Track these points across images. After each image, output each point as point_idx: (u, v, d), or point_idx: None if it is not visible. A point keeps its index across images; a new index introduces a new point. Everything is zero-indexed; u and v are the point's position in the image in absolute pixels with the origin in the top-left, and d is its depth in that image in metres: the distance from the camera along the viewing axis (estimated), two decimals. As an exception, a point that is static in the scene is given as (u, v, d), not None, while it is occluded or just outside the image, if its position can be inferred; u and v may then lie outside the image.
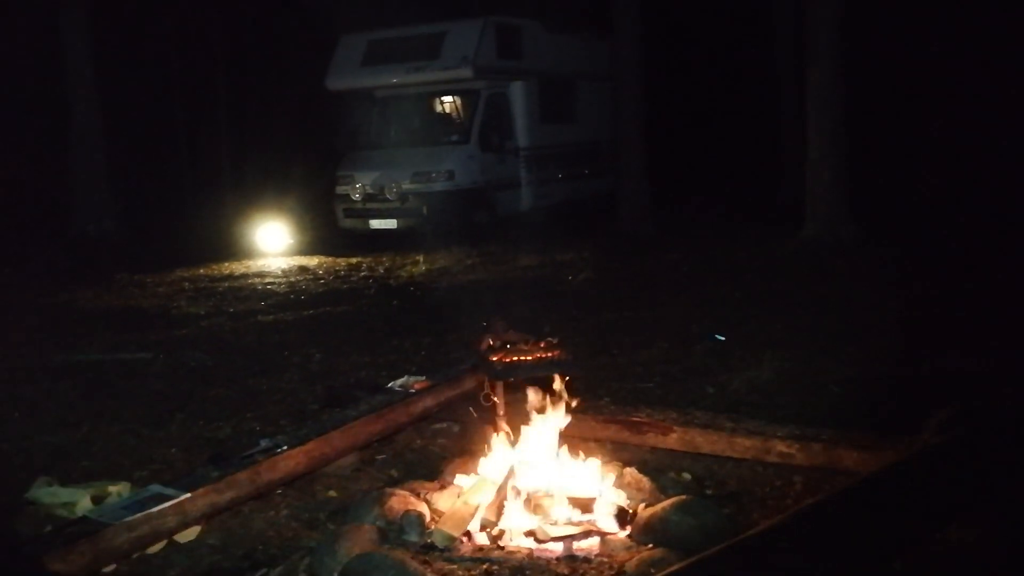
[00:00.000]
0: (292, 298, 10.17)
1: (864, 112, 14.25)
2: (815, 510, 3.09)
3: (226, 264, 13.13)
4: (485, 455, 3.98)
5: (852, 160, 12.09)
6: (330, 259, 13.20)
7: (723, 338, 6.98)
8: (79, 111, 16.46)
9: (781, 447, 4.08)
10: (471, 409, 4.62)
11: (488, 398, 4.22)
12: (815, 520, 3.00)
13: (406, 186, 14.58)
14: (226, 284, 11.38)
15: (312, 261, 13.15)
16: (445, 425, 5.00)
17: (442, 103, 16.27)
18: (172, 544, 3.68)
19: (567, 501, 3.67)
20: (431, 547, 3.53)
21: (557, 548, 3.47)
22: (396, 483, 4.22)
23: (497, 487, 3.74)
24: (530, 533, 3.56)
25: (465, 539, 3.59)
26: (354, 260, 12.92)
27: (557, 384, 3.97)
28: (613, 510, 3.67)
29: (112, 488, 4.11)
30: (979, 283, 8.35)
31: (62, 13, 16.28)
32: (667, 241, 12.81)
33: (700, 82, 22.03)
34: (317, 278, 11.61)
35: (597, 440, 4.42)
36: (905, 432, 3.89)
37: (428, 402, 4.70)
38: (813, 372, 5.94)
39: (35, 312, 9.80)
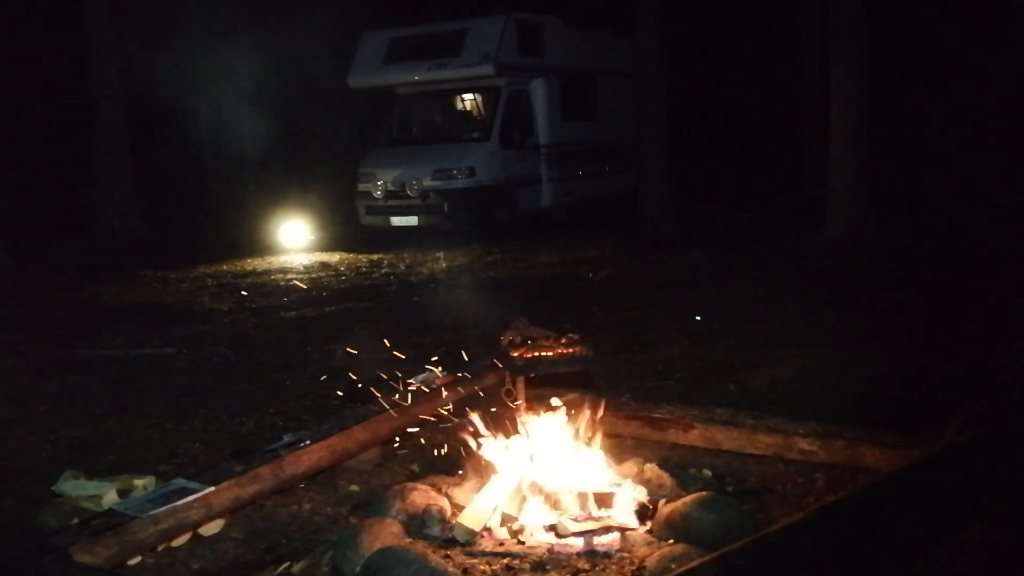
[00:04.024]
0: (314, 294, 10.22)
1: (888, 109, 14.16)
2: (837, 508, 3.08)
3: (249, 260, 13.22)
4: (505, 450, 3.99)
5: (875, 158, 12.01)
6: (352, 256, 13.26)
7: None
8: (104, 107, 16.60)
9: (803, 444, 4.06)
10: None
11: (509, 394, 4.23)
12: (836, 518, 2.99)
13: (427, 183, 14.61)
14: (249, 280, 11.45)
15: (334, 257, 13.21)
16: (466, 420, 5.00)
17: (463, 100, 16.30)
18: (196, 537, 3.71)
19: (587, 496, 3.67)
20: (452, 541, 3.55)
21: (577, 543, 3.48)
22: (417, 478, 4.24)
23: (517, 482, 3.75)
24: (550, 528, 3.56)
25: (485, 534, 3.60)
26: (375, 257, 12.97)
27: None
28: (634, 506, 3.67)
29: (137, 481, 4.15)
30: (1003, 281, 8.28)
31: (87, 10, 16.41)
32: (689, 238, 12.77)
33: (723, 79, 21.94)
34: (339, 274, 11.66)
35: (618, 436, 4.42)
36: (928, 430, 3.87)
37: (449, 397, 4.71)
38: (835, 370, 5.91)
39: (60, 307, 9.91)
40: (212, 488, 3.56)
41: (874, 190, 11.90)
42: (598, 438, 4.00)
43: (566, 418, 3.99)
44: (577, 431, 3.98)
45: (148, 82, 17.45)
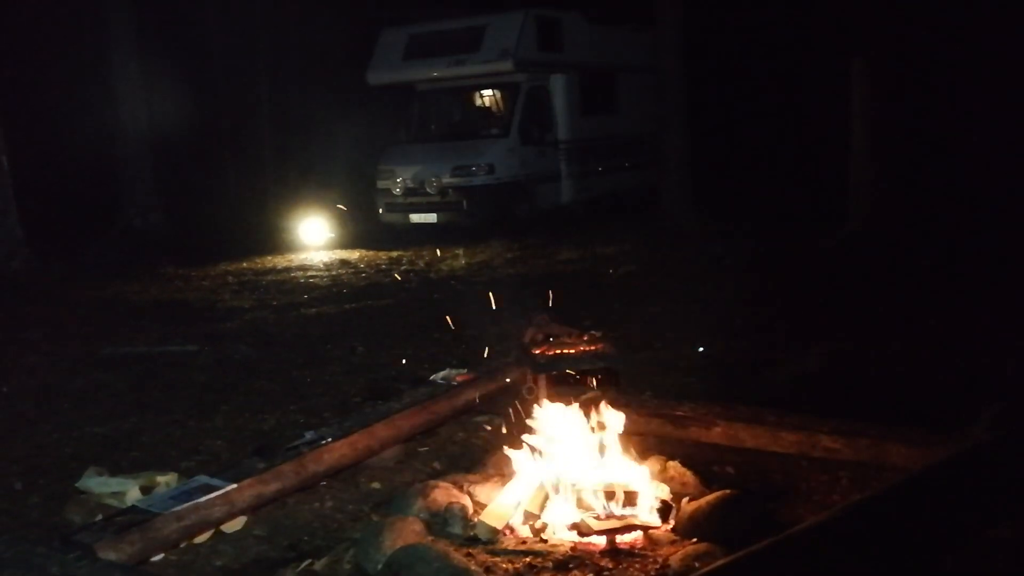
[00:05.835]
0: (334, 291, 10.24)
1: (909, 103, 14.02)
2: (862, 506, 3.05)
3: (269, 258, 13.26)
4: (527, 448, 3.97)
5: (895, 152, 11.90)
6: (371, 253, 13.27)
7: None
8: (126, 106, 16.70)
9: (827, 442, 4.02)
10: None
11: (531, 391, 4.21)
12: (862, 516, 2.96)
13: (446, 180, 14.62)
14: (269, 277, 11.49)
15: (354, 255, 13.23)
16: (487, 418, 5.00)
17: (482, 96, 16.30)
18: (219, 534, 3.72)
19: (610, 495, 3.65)
20: (474, 539, 3.54)
21: (600, 542, 3.46)
22: (439, 475, 4.24)
23: (540, 480, 3.74)
24: (573, 526, 3.55)
25: (508, 532, 3.59)
26: (395, 254, 12.98)
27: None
28: (657, 504, 3.65)
29: (160, 478, 4.16)
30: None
31: (108, 10, 16.51)
32: (710, 233, 12.70)
33: (744, 71, 21.79)
34: (359, 272, 11.67)
35: (640, 434, 4.39)
36: (956, 427, 3.83)
37: (470, 395, 4.70)
38: (859, 365, 5.86)
39: (84, 306, 9.98)
40: (234, 485, 3.56)
41: (895, 184, 11.79)
42: (620, 436, 3.98)
43: (588, 416, 3.97)
44: (599, 429, 3.96)
45: (168, 81, 17.56)
